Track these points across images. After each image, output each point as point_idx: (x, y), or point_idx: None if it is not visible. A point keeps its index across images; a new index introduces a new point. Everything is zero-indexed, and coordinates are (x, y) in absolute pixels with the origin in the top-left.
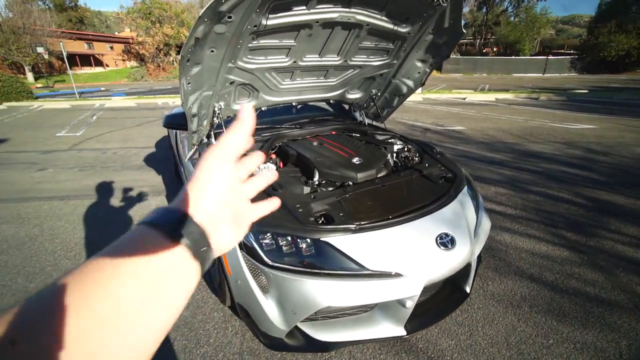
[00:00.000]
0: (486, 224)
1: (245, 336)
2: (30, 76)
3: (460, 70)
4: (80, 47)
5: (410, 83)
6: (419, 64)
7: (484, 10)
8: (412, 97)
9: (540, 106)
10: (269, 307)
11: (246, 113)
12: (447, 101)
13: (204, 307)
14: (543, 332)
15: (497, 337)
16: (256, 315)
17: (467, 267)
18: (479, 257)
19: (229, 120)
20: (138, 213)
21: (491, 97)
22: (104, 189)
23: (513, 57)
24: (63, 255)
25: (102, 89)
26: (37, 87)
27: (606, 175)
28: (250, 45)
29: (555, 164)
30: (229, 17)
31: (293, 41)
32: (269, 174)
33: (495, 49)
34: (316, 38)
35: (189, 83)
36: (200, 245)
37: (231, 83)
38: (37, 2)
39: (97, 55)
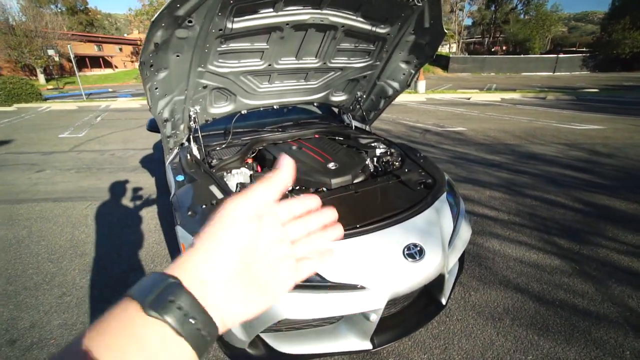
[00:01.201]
0: (465, 232)
1: (215, 345)
2: (41, 78)
3: (468, 69)
4: (90, 49)
5: (395, 85)
6: (403, 65)
7: (493, 8)
8: (415, 98)
9: (548, 106)
10: None
11: (286, 165)
12: (451, 101)
13: None
14: (522, 348)
15: (473, 351)
16: None
17: (440, 278)
18: (461, 265)
19: (207, 125)
20: (126, 214)
21: (497, 96)
22: (96, 191)
23: (522, 55)
24: (46, 257)
25: (110, 90)
26: (47, 89)
27: (609, 178)
28: (219, 49)
29: (555, 167)
30: (189, 22)
31: (265, 44)
32: (330, 235)
33: (504, 48)
34: (289, 40)
35: (156, 88)
36: (188, 321)
37: (204, 87)
38: (50, 6)
39: (106, 57)
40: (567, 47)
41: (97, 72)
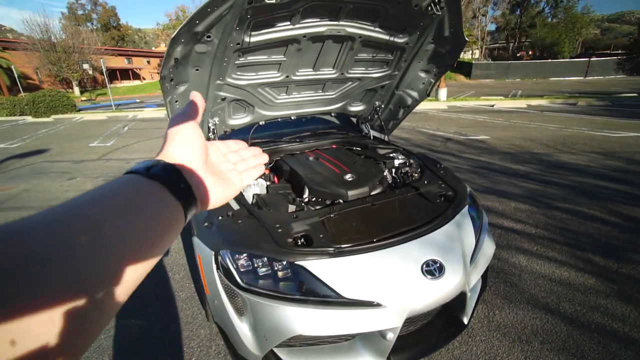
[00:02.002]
0: (488, 248)
1: (227, 357)
2: (76, 90)
3: (491, 75)
4: (121, 62)
5: (414, 94)
6: (422, 75)
7: (518, 12)
8: (436, 105)
9: (579, 112)
10: (244, 330)
11: (196, 97)
12: (474, 109)
13: (192, 323)
14: None
15: None
16: (232, 337)
17: (462, 296)
18: (484, 282)
19: (225, 136)
20: None
21: (522, 103)
22: None
23: (550, 60)
24: None
25: (137, 100)
26: (81, 100)
27: None
28: (237, 62)
29: (588, 177)
30: (208, 37)
31: (282, 56)
32: (259, 160)
33: (530, 53)
34: (307, 52)
35: (176, 101)
36: (178, 185)
37: (223, 99)
38: (87, 23)
39: (135, 69)
40: (600, 49)
41: (126, 83)
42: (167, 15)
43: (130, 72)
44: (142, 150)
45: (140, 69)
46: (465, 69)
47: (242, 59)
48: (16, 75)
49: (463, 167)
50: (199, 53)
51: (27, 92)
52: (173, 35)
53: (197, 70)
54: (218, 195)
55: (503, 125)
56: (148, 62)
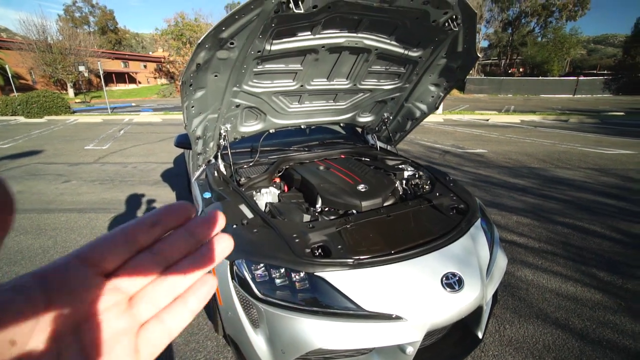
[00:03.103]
0: (502, 261)
1: None
2: (71, 92)
3: (484, 90)
4: (117, 66)
5: (423, 107)
6: (432, 88)
7: (510, 30)
8: (433, 118)
9: (570, 129)
10: (259, 343)
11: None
12: (469, 122)
13: (198, 334)
14: None
15: None
16: (246, 351)
17: (479, 310)
18: (495, 296)
19: (234, 143)
20: None
21: (516, 118)
22: (119, 203)
23: (540, 77)
24: None
25: (133, 104)
26: (75, 102)
27: None
28: (255, 69)
29: (586, 193)
30: (231, 44)
31: (299, 65)
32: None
33: (521, 70)
34: (323, 62)
35: (192, 106)
36: None
37: (237, 106)
38: (84, 26)
39: (131, 73)
40: (587, 69)
41: (122, 87)
42: (165, 21)
43: (126, 75)
44: (139, 154)
45: (136, 73)
46: (460, 83)
47: (260, 66)
48: (10, 75)
49: (463, 180)
50: (220, 59)
51: (20, 92)
52: (199, 41)
53: (216, 76)
54: None
55: (499, 140)
56: (145, 66)
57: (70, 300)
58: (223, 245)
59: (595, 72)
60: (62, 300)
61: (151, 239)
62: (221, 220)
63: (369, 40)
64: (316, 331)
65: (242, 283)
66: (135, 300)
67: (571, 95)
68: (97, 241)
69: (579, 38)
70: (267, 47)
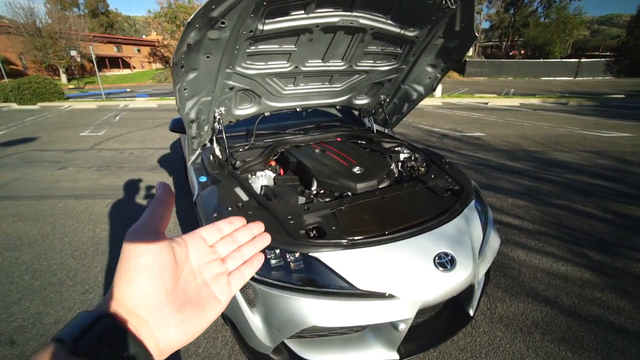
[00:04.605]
0: (494, 241)
1: (234, 348)
2: (63, 78)
3: (485, 73)
4: (110, 50)
5: (420, 89)
6: (429, 69)
7: (512, 11)
8: (431, 102)
9: (570, 112)
10: (255, 322)
11: (163, 193)
12: (468, 106)
13: None
14: None
15: None
16: (242, 329)
17: (470, 288)
18: (487, 275)
19: (229, 127)
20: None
21: (515, 101)
22: (116, 189)
23: (542, 59)
24: (69, 254)
25: (128, 90)
26: (69, 88)
27: None
28: (248, 50)
29: (582, 175)
30: (222, 23)
31: (293, 46)
32: (258, 246)
33: (522, 52)
34: (318, 43)
35: (185, 89)
36: (122, 357)
37: (231, 89)
38: (73, 9)
39: (125, 58)
40: (590, 51)
41: (115, 72)
42: (158, 3)
43: (119, 60)
44: (135, 140)
45: (130, 58)
46: (459, 65)
47: (253, 47)
48: None
49: (460, 163)
50: (211, 40)
51: (10, 78)
52: (188, 20)
53: (207, 57)
54: (187, 335)
55: (498, 123)
56: (138, 50)
57: (197, 256)
58: (266, 238)
59: (597, 53)
60: (194, 255)
61: (230, 231)
62: (262, 226)
63: (364, 19)
64: (311, 310)
65: None
66: (225, 259)
67: (572, 78)
68: (203, 229)
69: (582, 18)
70: (260, 27)
